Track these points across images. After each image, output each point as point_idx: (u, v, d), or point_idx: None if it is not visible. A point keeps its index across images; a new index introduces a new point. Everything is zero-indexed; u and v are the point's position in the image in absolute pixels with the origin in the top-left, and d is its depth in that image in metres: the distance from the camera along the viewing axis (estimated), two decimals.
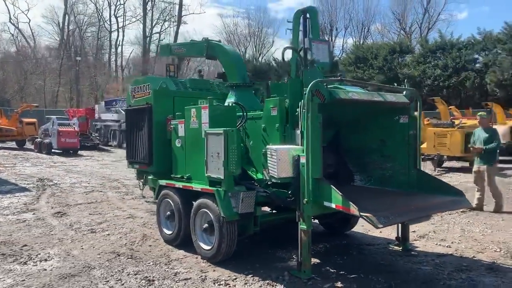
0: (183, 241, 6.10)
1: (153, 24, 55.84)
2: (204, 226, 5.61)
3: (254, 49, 56.57)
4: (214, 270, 5.24)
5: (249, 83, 7.20)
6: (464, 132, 14.62)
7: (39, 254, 5.91)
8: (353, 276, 5.02)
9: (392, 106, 5.79)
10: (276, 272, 5.15)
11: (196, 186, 5.79)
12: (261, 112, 6.24)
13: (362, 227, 7.09)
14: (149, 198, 10.10)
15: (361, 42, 45.99)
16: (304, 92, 4.87)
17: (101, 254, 5.92)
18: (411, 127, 5.80)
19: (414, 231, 6.83)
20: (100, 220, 7.89)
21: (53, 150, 22.80)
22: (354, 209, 4.36)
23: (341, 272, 5.14)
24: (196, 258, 5.69)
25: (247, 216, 5.37)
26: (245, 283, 4.84)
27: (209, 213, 5.49)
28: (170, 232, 6.34)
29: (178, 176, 6.34)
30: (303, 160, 4.84)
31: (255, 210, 5.41)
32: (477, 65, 31.55)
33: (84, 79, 54.33)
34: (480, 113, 9.19)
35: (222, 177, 5.28)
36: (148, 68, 52.43)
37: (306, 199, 4.71)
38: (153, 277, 5.01)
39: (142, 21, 54.68)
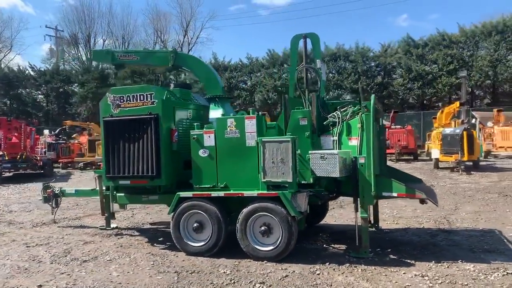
0: (220, 249, 6.17)
1: None
2: (262, 229, 5.93)
3: None
4: (290, 266, 5.68)
5: (228, 96, 7.62)
6: None
7: None
8: (389, 250, 6.34)
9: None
10: (340, 258, 6.00)
11: (249, 192, 6.02)
12: (273, 122, 6.94)
13: None
14: (60, 223, 8.82)
15: None
16: (363, 105, 6.00)
17: (153, 276, 5.44)
18: (381, 133, 7.55)
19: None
20: (61, 249, 6.73)
21: None
22: (420, 194, 5.76)
23: (377, 250, 6.39)
24: (250, 261, 5.92)
25: (303, 214, 6.04)
26: (333, 269, 5.54)
27: (271, 215, 5.87)
28: (200, 244, 6.23)
29: (206, 186, 6.32)
30: (361, 160, 5.92)
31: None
32: (246, 85, 36.69)
33: None
34: None
35: (290, 180, 5.83)
36: None
37: (373, 191, 5.79)
38: (261, 281, 5.16)
39: None
